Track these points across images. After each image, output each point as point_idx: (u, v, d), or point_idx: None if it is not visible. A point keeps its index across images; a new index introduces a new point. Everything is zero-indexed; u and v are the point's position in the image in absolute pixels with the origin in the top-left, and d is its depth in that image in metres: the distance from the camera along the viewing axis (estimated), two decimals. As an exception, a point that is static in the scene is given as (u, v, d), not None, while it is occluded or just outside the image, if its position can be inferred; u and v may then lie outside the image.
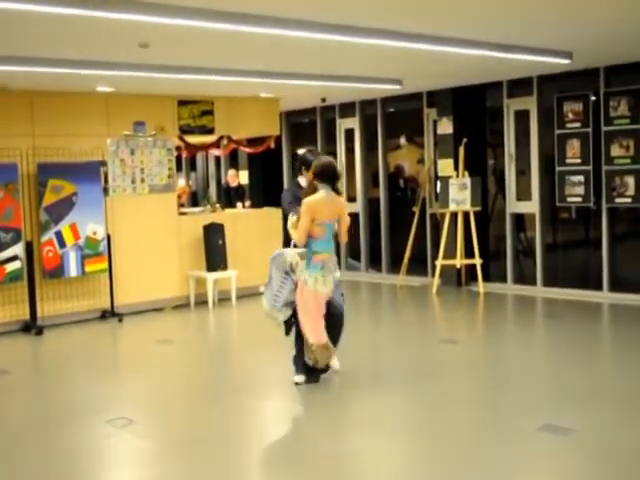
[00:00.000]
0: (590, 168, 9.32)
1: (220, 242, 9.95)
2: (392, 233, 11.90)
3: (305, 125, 13.25)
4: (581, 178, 9.41)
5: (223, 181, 13.94)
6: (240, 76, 8.29)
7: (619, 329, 8.21)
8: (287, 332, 6.11)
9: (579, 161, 9.42)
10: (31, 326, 8.56)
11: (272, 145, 11.32)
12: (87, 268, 8.97)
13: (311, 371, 6.02)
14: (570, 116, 9.46)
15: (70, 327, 8.80)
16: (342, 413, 5.60)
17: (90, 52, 6.87)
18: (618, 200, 9.15)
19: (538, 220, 10.02)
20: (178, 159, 11.36)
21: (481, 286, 10.04)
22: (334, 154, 12.13)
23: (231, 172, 12.86)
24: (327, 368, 6.05)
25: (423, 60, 7.78)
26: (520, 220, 10.54)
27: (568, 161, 9.51)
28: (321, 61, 7.87)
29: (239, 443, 5.02)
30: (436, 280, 10.33)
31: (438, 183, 10.86)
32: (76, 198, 8.87)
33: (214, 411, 5.65)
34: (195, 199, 14.87)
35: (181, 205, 11.34)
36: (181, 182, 13.50)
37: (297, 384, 6.04)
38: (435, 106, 10.91)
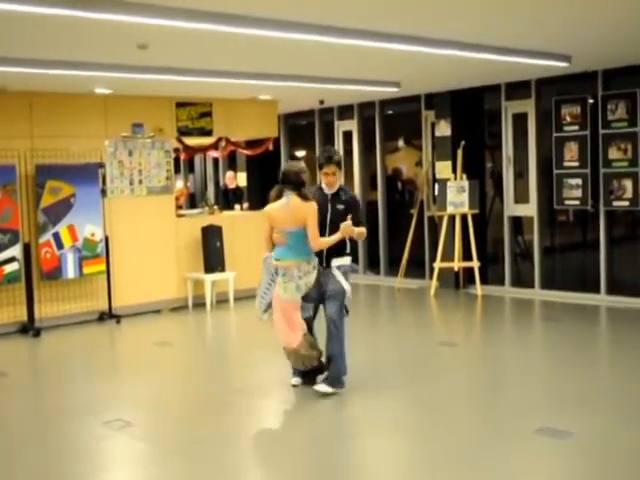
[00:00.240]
0: (588, 171, 9.33)
1: (218, 244, 9.95)
2: (390, 236, 11.90)
3: (303, 127, 13.25)
4: (579, 181, 9.41)
5: (221, 183, 13.92)
6: (238, 78, 8.29)
7: (616, 332, 8.22)
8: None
9: (577, 164, 9.42)
10: (29, 328, 8.54)
11: (270, 147, 11.31)
12: (85, 270, 8.96)
13: (307, 373, 6.02)
14: (568, 119, 9.47)
15: (68, 329, 8.79)
16: (340, 415, 5.60)
17: (88, 53, 6.86)
18: (616, 203, 9.16)
19: (536, 223, 10.02)
20: (176, 161, 11.35)
21: (479, 289, 10.03)
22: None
23: (229, 174, 12.84)
24: (322, 369, 6.03)
25: (421, 63, 7.79)
26: (518, 223, 10.54)
27: (566, 164, 9.52)
28: (319, 63, 7.88)
29: (236, 445, 5.01)
30: (434, 283, 10.33)
31: (436, 186, 10.85)
32: (74, 199, 8.86)
33: (211, 413, 5.64)
34: (193, 201, 14.86)
35: (179, 207, 11.33)
36: (179, 184, 13.52)
37: (294, 386, 6.05)
38: (433, 108, 10.92)
